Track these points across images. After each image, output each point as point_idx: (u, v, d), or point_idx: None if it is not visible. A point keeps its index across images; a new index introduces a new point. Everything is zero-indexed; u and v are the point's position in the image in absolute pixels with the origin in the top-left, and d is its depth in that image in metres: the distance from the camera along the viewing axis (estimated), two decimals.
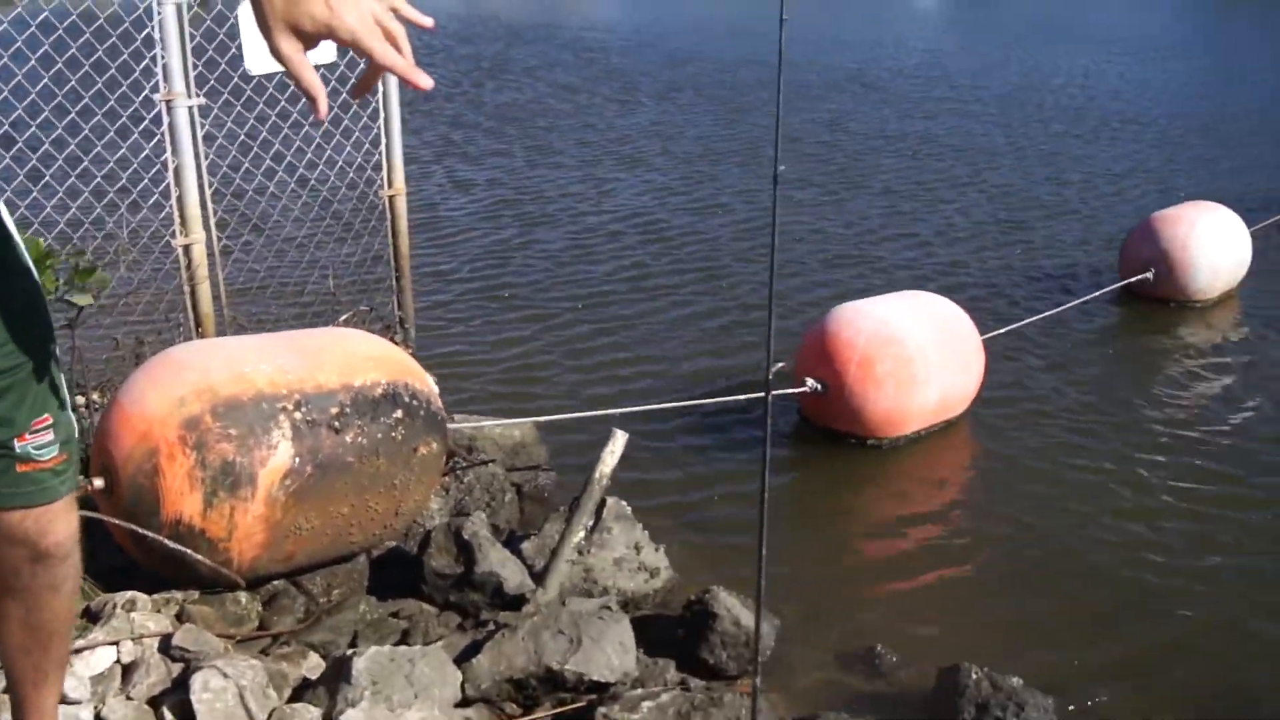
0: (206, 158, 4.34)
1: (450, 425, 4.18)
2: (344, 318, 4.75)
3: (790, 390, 4.95)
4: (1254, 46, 24.66)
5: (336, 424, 3.23)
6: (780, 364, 2.72)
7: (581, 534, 3.63)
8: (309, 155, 5.25)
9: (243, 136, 5.08)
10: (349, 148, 5.20)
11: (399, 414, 3.38)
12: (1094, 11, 33.64)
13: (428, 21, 1.37)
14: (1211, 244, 6.83)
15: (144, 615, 3.02)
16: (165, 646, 2.89)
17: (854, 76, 16.95)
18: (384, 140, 4.99)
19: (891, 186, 10.03)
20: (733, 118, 13.19)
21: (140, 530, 3.04)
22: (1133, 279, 6.86)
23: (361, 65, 1.27)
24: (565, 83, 15.81)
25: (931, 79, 16.88)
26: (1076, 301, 6.70)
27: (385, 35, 1.24)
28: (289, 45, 1.21)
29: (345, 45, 1.24)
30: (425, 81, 1.27)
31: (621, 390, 5.55)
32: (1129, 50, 21.81)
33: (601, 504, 3.72)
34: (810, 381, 4.84)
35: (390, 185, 5.06)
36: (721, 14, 27.49)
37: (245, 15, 4.15)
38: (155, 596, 3.14)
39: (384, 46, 1.23)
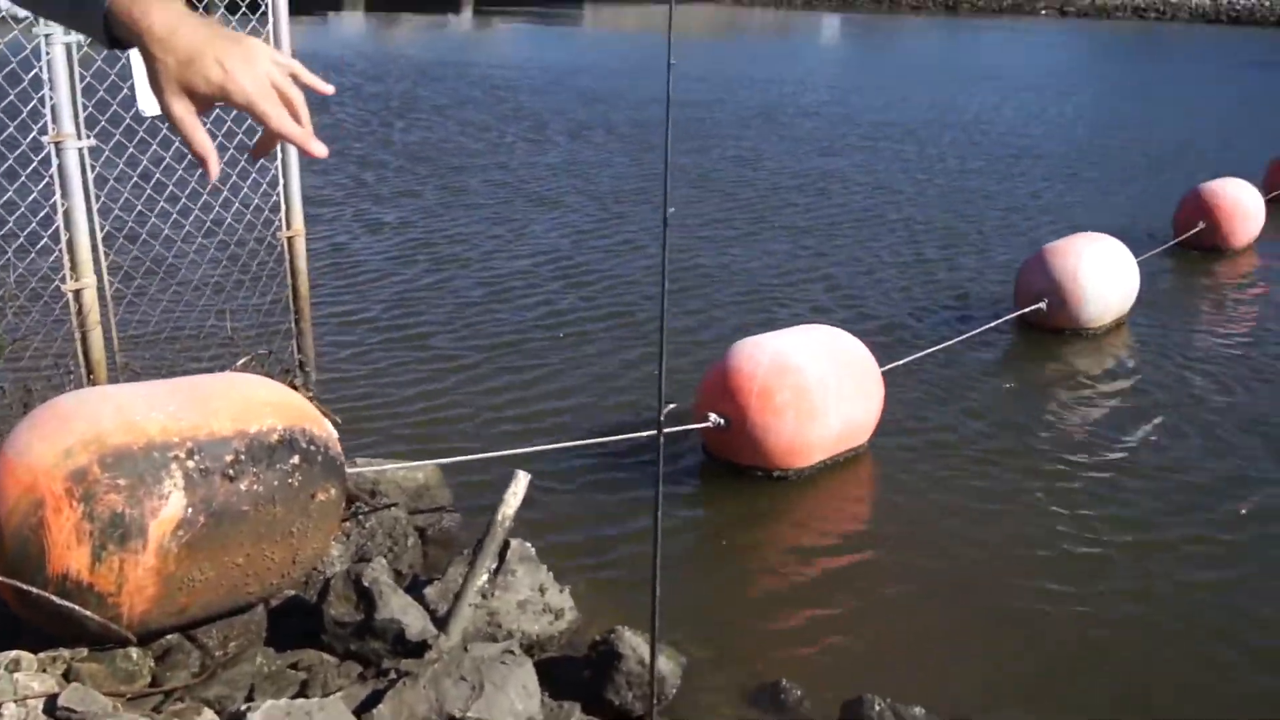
0: (98, 200, 4.26)
1: (352, 469, 4.13)
2: (241, 362, 4.67)
3: (693, 426, 4.99)
4: (1139, 85, 25.64)
5: (231, 472, 3.17)
6: (671, 404, 2.75)
7: (485, 577, 3.61)
8: (205, 197, 5.17)
9: (135, 178, 4.98)
10: (246, 189, 5.13)
11: (296, 460, 3.33)
12: (988, 52, 34.74)
13: (328, 88, 1.35)
14: (1101, 274, 7.07)
15: (29, 675, 2.92)
16: (51, 708, 2.80)
17: (763, 114, 17.23)
18: (282, 180, 4.94)
19: (799, 223, 10.19)
20: (644, 156, 13.30)
21: (24, 587, 2.95)
22: (1027, 309, 7.06)
23: (259, 131, 1.25)
24: (476, 121, 15.81)
25: (838, 116, 17.24)
26: (973, 332, 6.86)
27: (283, 100, 1.23)
28: (181, 106, 1.19)
29: (240, 109, 1.21)
30: (320, 150, 1.26)
31: (528, 430, 5.53)
32: (1025, 88, 22.54)
33: (505, 546, 3.70)
34: (713, 416, 4.89)
35: (289, 226, 5.01)
36: (630, 53, 27.80)
37: (137, 56, 4.10)
38: (41, 655, 3.04)
39: (280, 113, 1.21)
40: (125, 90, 4.38)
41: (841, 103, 19.06)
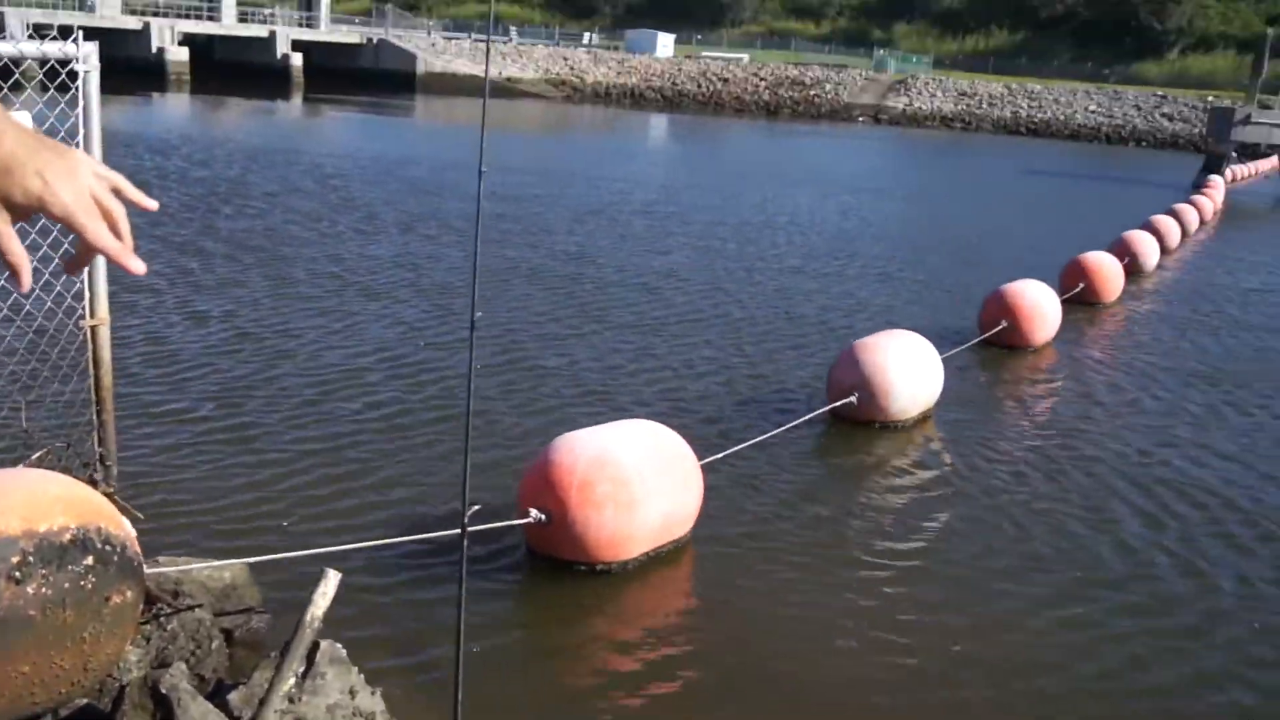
0: None
1: (154, 569, 3.97)
2: (35, 456, 4.45)
3: (514, 521, 4.99)
4: (949, 190, 27.25)
5: (17, 574, 3.01)
6: (476, 505, 2.76)
7: (292, 681, 3.50)
8: (2, 282, 4.93)
9: None
10: (47, 274, 4.93)
11: (90, 560, 3.19)
12: (809, 154, 36.37)
13: (150, 204, 1.33)
14: (907, 369, 7.43)
15: None
16: None
17: (596, 211, 17.54)
18: (89, 267, 4.78)
19: (626, 319, 10.37)
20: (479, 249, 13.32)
21: None
22: (839, 403, 7.35)
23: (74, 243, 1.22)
24: (306, 210, 15.59)
25: (668, 215, 17.70)
26: (789, 425, 7.10)
27: (103, 214, 1.21)
28: None
29: (58, 221, 1.19)
30: (138, 267, 1.25)
31: (343, 527, 5.41)
32: (844, 190, 23.68)
33: (314, 647, 3.60)
34: (533, 512, 4.90)
35: (93, 315, 4.83)
36: (461, 145, 28.00)
37: None
38: None
39: (98, 227, 1.20)
40: None
41: (672, 201, 19.60)
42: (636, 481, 4.97)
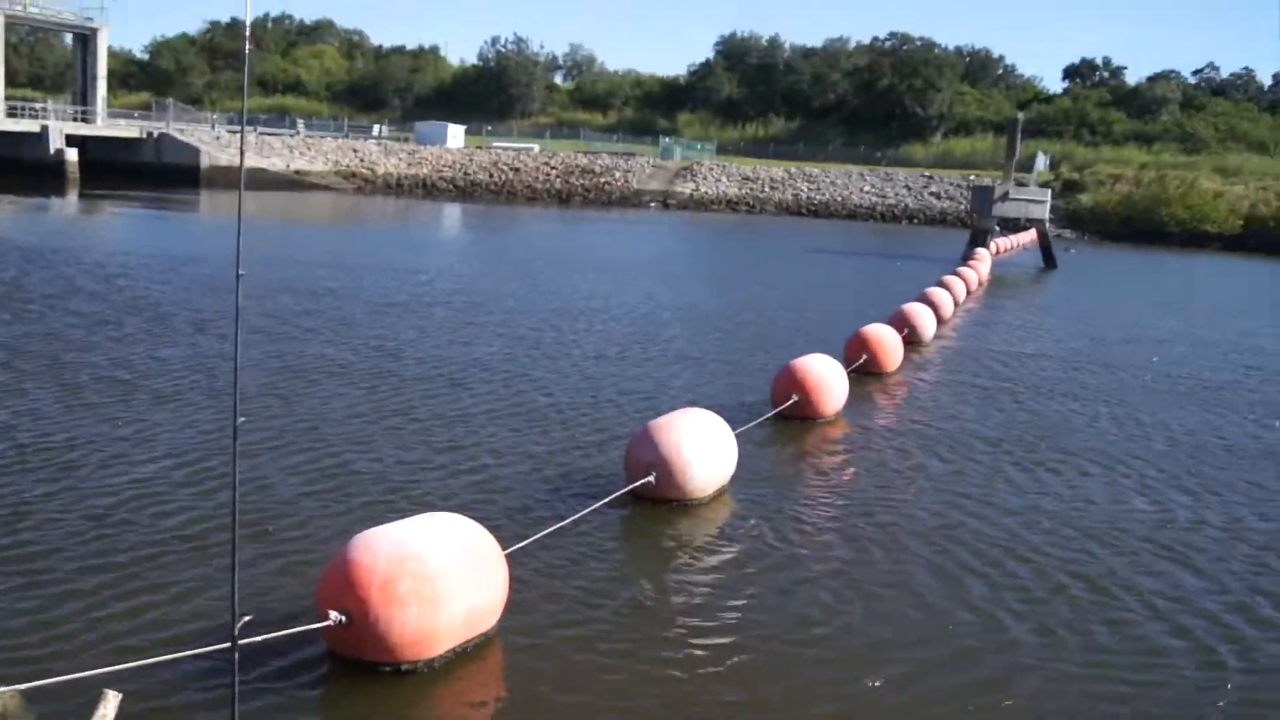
0: None
1: None
2: None
3: (312, 626, 4.87)
4: (738, 270, 28.30)
5: None
6: (247, 616, 2.72)
7: None
8: None
9: None
10: None
11: None
12: (604, 240, 37.14)
13: None
14: (703, 446, 7.66)
15: None
16: None
17: (399, 303, 17.38)
18: None
19: (426, 411, 10.28)
20: (275, 347, 12.96)
21: None
22: (638, 483, 7.51)
23: None
24: (91, 312, 14.81)
25: (469, 305, 17.71)
26: (591, 508, 7.18)
27: None
28: None
29: None
30: None
31: (128, 646, 5.13)
32: (640, 274, 24.26)
33: None
34: (333, 614, 4.79)
35: None
36: (253, 239, 27.32)
37: None
38: None
39: None
40: None
41: (472, 290, 19.64)
42: (440, 576, 4.94)
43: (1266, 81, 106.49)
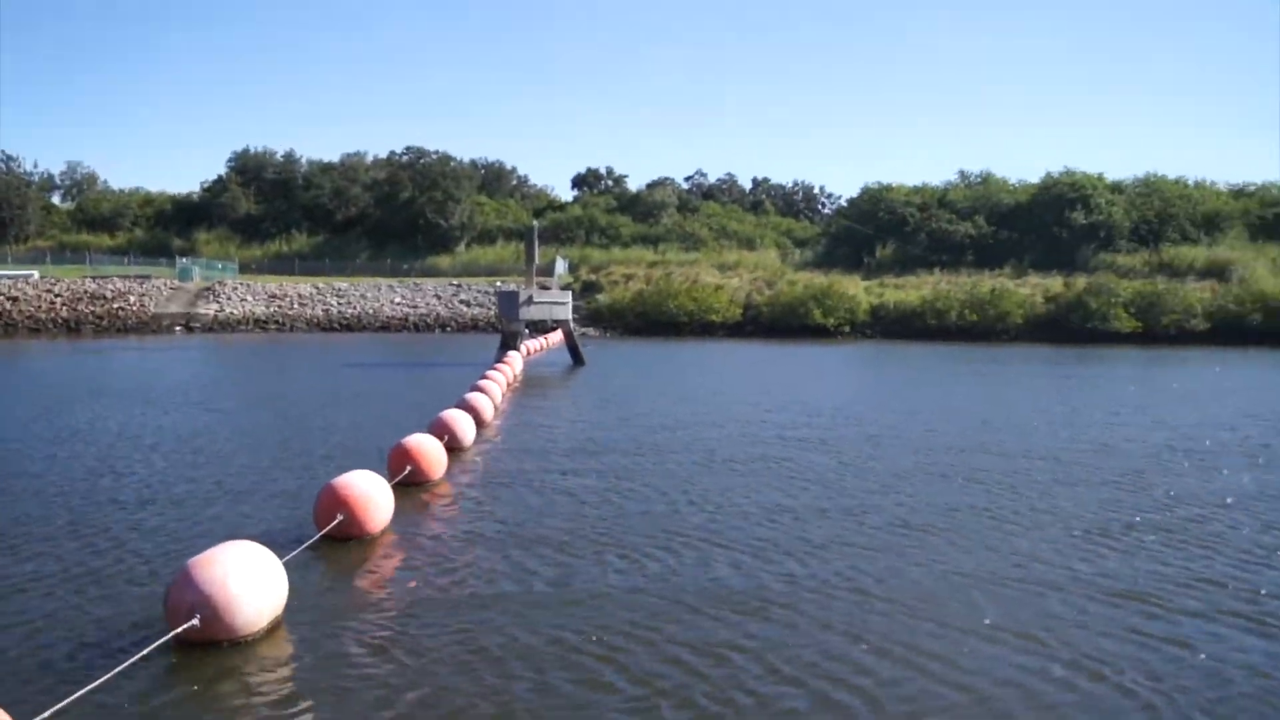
0: None
1: None
2: None
3: None
4: (267, 392, 27.24)
5: None
6: None
7: None
8: None
9: None
10: None
11: None
12: (120, 372, 34.37)
13: None
14: (248, 579, 7.27)
15: None
16: None
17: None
18: None
19: None
20: None
21: None
22: (182, 627, 6.95)
23: None
24: None
25: None
26: (129, 662, 6.55)
27: None
28: None
29: None
30: None
31: None
32: (165, 405, 22.61)
33: None
34: None
35: None
36: None
37: None
38: None
39: None
40: None
41: (22, 433, 17.32)
42: None
43: (748, 185, 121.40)
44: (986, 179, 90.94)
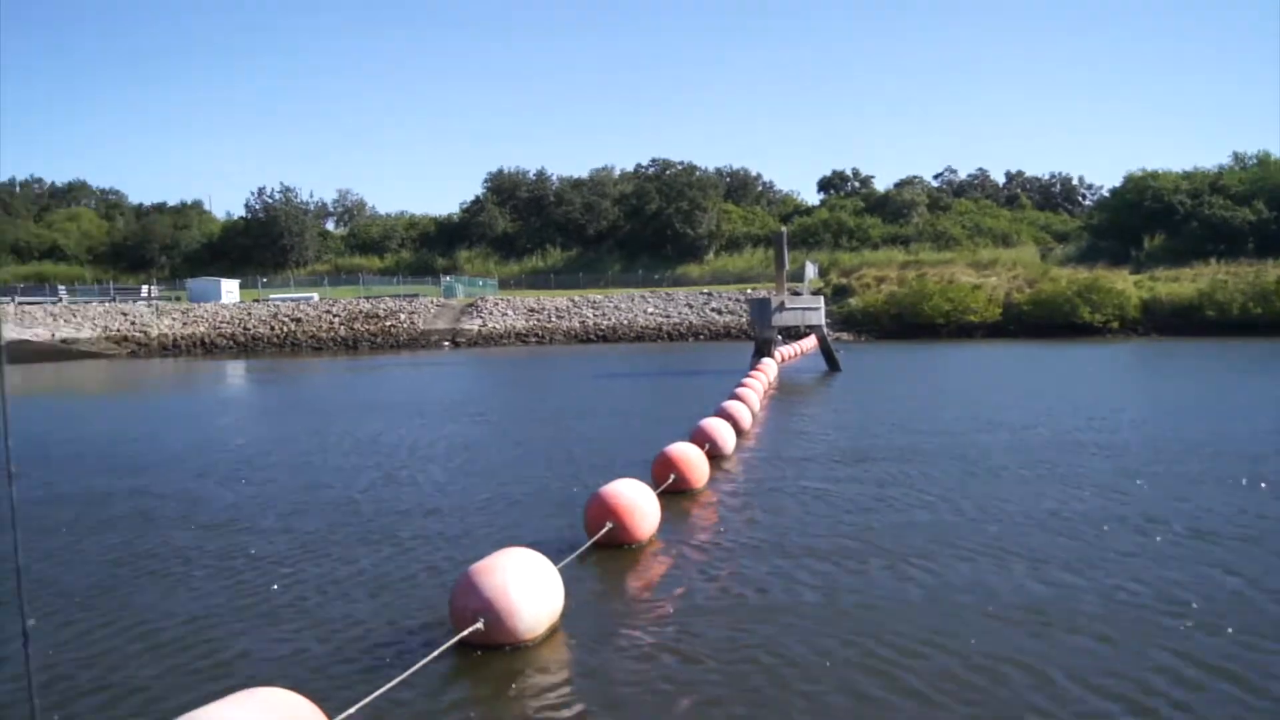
0: None
1: None
2: None
3: None
4: (531, 403, 28.12)
5: None
6: None
7: None
8: None
9: None
10: None
11: None
12: (400, 383, 36.43)
13: None
14: (528, 586, 7.47)
15: None
16: None
17: (204, 472, 16.47)
18: None
19: (225, 589, 9.69)
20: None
21: None
22: (466, 631, 7.23)
23: None
24: None
25: (270, 466, 16.94)
26: (420, 664, 6.85)
27: None
28: None
29: None
30: None
31: None
32: (445, 415, 23.78)
33: None
34: None
35: None
36: (21, 415, 25.44)
37: None
38: None
39: None
40: None
41: (260, 450, 18.84)
42: None
43: (1001, 180, 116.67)
44: (1264, 160, 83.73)
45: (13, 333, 55.24)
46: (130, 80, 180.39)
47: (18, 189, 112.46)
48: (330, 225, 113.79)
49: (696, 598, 8.92)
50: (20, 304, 65.35)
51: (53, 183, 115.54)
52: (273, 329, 65.35)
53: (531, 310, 69.36)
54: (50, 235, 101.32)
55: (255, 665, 7.40)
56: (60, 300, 70.37)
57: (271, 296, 77.86)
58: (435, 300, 73.06)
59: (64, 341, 57.05)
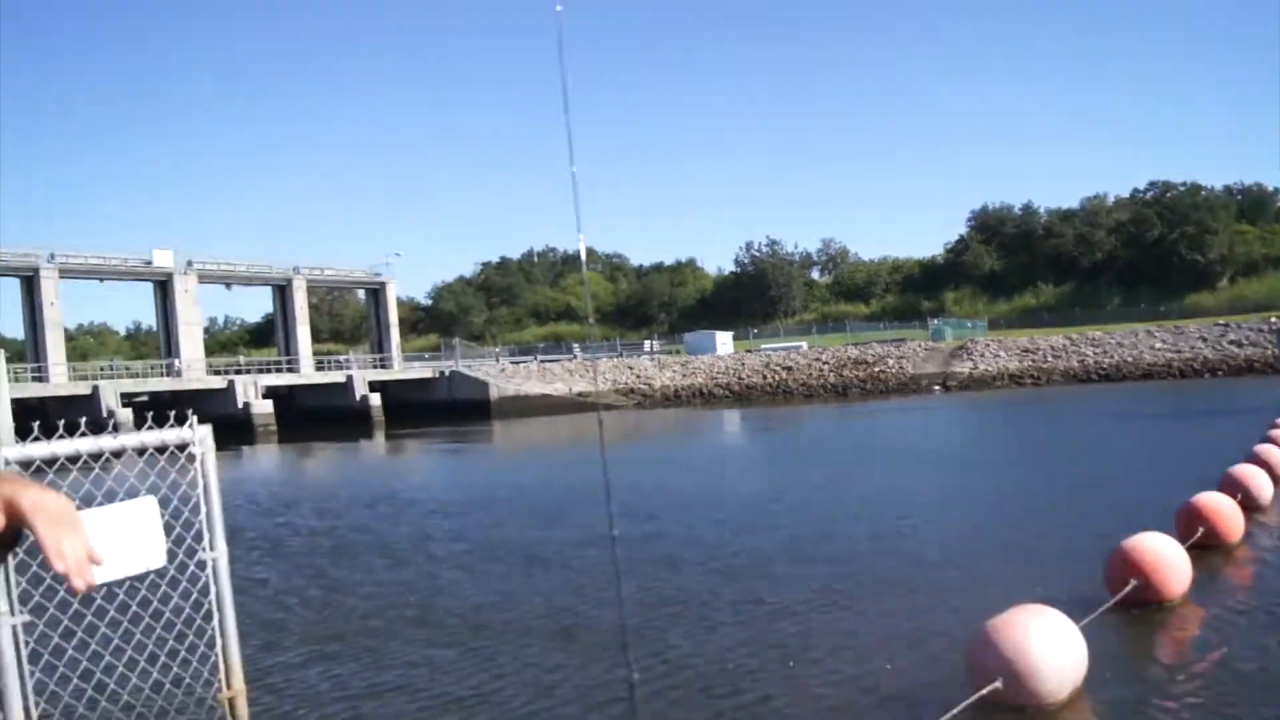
0: (33, 675, 4.09)
1: None
2: None
3: None
4: (1033, 448, 26.81)
5: None
6: None
7: None
8: (143, 663, 5.00)
9: (70, 651, 4.83)
10: (184, 651, 4.99)
11: None
12: (898, 430, 36.30)
13: (78, 585, 1.61)
14: (1050, 645, 7.06)
15: None
16: None
17: (741, 526, 17.46)
18: (220, 639, 4.81)
19: (794, 633, 10.09)
20: (661, 580, 12.95)
21: None
22: (985, 690, 6.95)
23: None
24: (447, 555, 15.41)
25: (821, 511, 17.53)
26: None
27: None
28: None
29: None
30: (78, 584, 1.58)
31: None
32: (947, 461, 23.37)
33: None
34: None
35: (229, 686, 4.82)
36: (557, 465, 28.42)
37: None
38: None
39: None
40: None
41: (781, 500, 19.56)
42: None
43: None
44: None
45: (537, 387, 62.03)
46: (635, 159, 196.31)
47: (535, 258, 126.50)
48: (815, 274, 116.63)
49: (1238, 665, 7.98)
50: (541, 361, 73.19)
51: (564, 251, 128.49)
52: (764, 378, 67.85)
53: (1025, 350, 66.33)
54: (564, 299, 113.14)
55: (776, 715, 7.61)
56: (574, 357, 77.93)
57: (763, 346, 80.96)
58: (923, 344, 72.19)
59: (579, 395, 63.04)
